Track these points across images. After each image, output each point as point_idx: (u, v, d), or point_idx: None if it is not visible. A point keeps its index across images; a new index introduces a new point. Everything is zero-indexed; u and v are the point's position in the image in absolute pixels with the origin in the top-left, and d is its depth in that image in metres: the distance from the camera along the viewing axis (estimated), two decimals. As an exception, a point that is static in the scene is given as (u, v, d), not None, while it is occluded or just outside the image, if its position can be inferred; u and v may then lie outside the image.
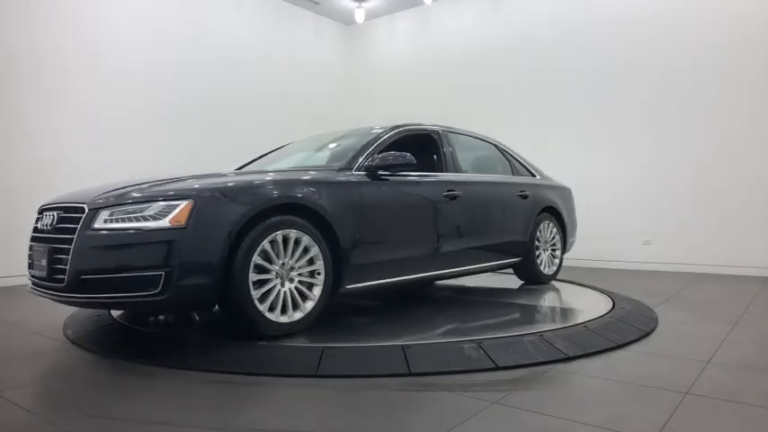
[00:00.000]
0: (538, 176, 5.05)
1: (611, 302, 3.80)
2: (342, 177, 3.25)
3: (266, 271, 2.77)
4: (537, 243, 4.68)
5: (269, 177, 3.03)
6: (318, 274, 2.98)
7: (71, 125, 5.83)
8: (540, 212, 4.70)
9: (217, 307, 2.85)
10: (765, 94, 5.85)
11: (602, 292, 4.31)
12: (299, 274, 2.92)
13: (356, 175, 3.32)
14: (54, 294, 2.70)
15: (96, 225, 2.58)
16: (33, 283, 2.89)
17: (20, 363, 2.74)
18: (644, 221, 6.48)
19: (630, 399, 2.14)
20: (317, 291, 2.97)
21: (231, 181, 2.89)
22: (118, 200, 2.65)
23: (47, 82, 5.67)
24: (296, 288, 2.89)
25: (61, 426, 1.89)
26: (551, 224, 4.88)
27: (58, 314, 3.66)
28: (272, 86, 7.99)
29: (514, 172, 4.85)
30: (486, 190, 4.24)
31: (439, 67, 8.28)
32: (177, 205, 2.56)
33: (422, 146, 4.07)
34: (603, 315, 3.38)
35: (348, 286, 3.16)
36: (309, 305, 2.93)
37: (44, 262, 2.73)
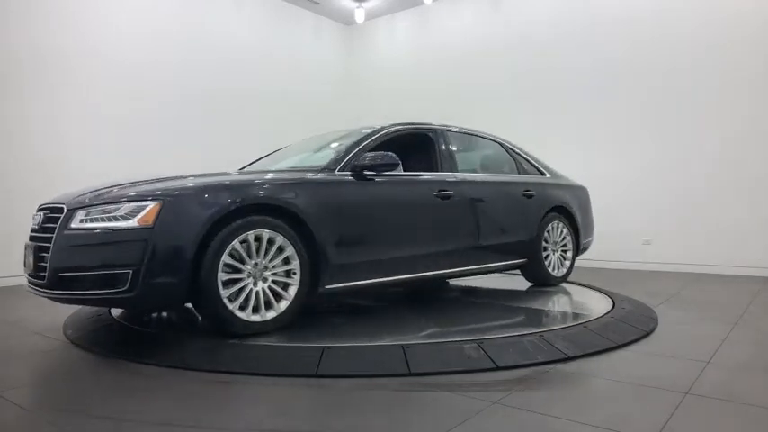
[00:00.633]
0: (548, 175, 4.91)
1: (611, 302, 3.80)
2: (322, 177, 3.25)
3: (238, 270, 2.81)
4: (545, 244, 4.55)
5: (241, 178, 3.04)
6: (294, 273, 2.99)
7: (71, 125, 5.83)
8: (548, 212, 4.57)
9: (190, 305, 2.89)
10: (765, 94, 5.85)
11: (602, 292, 4.30)
12: (274, 274, 2.94)
13: (339, 175, 3.32)
14: (39, 291, 2.82)
15: (73, 225, 2.71)
16: (28, 281, 3.00)
17: (20, 363, 2.74)
18: (644, 221, 6.48)
19: (630, 399, 2.14)
20: (292, 290, 2.98)
21: (201, 183, 2.91)
22: (93, 200, 2.78)
23: (47, 82, 5.67)
24: (269, 288, 2.92)
25: (61, 426, 1.89)
26: (561, 224, 4.73)
27: (57, 314, 3.66)
28: (272, 86, 7.99)
29: (521, 171, 4.74)
30: (484, 189, 4.16)
31: (439, 67, 8.28)
32: (146, 206, 2.66)
33: (417, 145, 4.04)
34: (603, 315, 3.37)
35: (328, 286, 3.14)
36: (284, 305, 2.95)
37: (31, 260, 2.87)
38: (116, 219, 2.65)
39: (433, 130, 4.13)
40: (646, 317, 3.52)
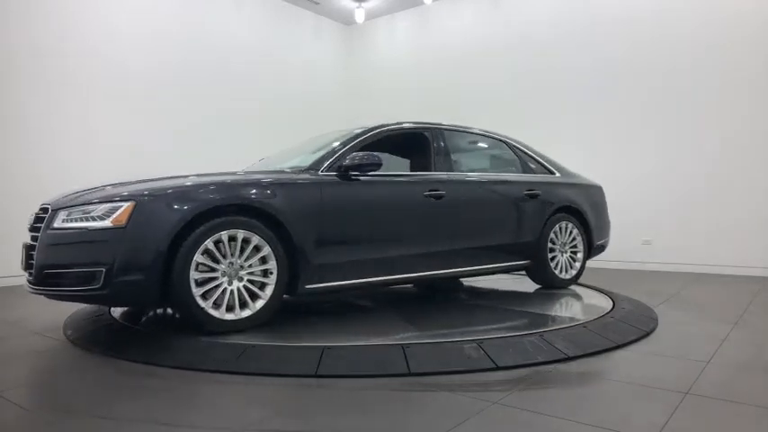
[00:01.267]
0: (558, 174, 4.74)
1: (612, 302, 3.80)
2: (303, 178, 3.25)
3: (213, 269, 2.85)
4: (551, 245, 4.40)
5: (217, 179, 3.05)
6: (271, 273, 3.01)
7: (71, 125, 5.83)
8: (554, 212, 4.42)
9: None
10: (765, 94, 5.85)
11: (602, 292, 4.30)
12: (251, 273, 2.96)
13: (321, 175, 3.32)
14: (30, 287, 2.94)
15: (55, 224, 2.83)
16: (26, 279, 3.08)
17: (20, 363, 2.74)
18: (644, 221, 6.48)
19: (630, 399, 2.14)
20: (268, 290, 3.00)
21: (175, 184, 2.94)
22: (73, 201, 2.89)
23: (47, 82, 5.66)
24: (245, 287, 2.94)
25: (61, 426, 1.89)
26: (570, 225, 4.55)
27: (58, 314, 3.66)
28: (272, 86, 7.99)
29: (526, 170, 4.60)
30: (480, 189, 4.07)
31: (439, 67, 8.28)
32: (120, 206, 2.75)
33: (410, 145, 4.00)
34: (603, 315, 3.38)
35: (308, 286, 3.15)
36: (260, 304, 2.97)
37: (23, 257, 3.03)
38: (93, 219, 2.76)
39: (429, 129, 4.06)
40: (646, 317, 3.52)
